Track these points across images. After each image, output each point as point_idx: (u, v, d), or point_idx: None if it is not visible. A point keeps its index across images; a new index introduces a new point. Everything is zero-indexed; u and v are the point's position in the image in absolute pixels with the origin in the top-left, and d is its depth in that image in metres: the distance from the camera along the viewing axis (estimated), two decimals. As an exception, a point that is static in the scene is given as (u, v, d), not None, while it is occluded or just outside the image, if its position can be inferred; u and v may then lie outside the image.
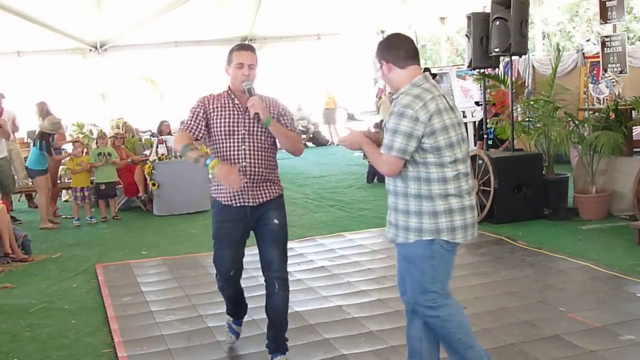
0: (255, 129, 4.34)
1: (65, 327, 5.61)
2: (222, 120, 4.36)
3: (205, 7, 15.25)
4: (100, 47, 16.40)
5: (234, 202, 4.37)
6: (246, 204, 4.36)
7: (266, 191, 4.39)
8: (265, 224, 4.40)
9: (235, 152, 4.33)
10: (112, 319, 5.65)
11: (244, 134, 4.33)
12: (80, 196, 10.29)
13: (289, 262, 4.48)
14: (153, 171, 10.48)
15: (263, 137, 4.36)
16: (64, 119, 12.50)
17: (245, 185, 4.29)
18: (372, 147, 3.74)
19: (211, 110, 4.40)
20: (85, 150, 11.63)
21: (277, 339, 4.51)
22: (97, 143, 11.09)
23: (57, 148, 10.54)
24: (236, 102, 4.39)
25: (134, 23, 15.61)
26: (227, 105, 4.41)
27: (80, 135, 13.11)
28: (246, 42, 4.51)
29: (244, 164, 4.30)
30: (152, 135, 14.11)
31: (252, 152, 4.32)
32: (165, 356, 4.82)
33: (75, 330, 5.52)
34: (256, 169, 4.34)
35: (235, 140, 4.33)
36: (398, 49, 3.72)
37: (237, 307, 4.86)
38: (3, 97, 11.44)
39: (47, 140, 10.17)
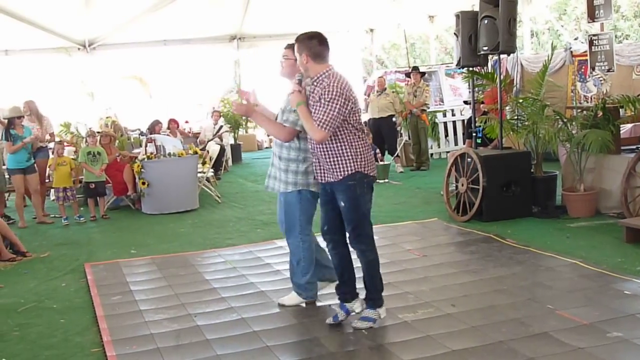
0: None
1: (54, 327, 5.58)
2: None
3: (194, 6, 15.26)
4: (89, 45, 16.38)
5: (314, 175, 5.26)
6: (319, 180, 5.11)
7: (326, 173, 4.99)
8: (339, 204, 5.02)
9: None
10: (101, 318, 5.63)
11: None
12: (62, 196, 10.22)
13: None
14: (142, 170, 10.44)
15: None
16: (53, 118, 12.44)
17: (317, 164, 5.06)
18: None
19: None
20: (74, 149, 11.58)
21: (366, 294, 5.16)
22: (86, 142, 11.04)
23: (41, 147, 10.46)
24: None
25: (122, 21, 15.60)
26: None
27: (69, 135, 13.08)
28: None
29: (312, 146, 5.06)
30: (141, 134, 14.09)
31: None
32: (155, 355, 4.81)
33: (64, 330, 5.50)
34: (316, 152, 5.00)
35: None
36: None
37: (342, 271, 5.19)
38: None
39: (7, 128, 9.84)
